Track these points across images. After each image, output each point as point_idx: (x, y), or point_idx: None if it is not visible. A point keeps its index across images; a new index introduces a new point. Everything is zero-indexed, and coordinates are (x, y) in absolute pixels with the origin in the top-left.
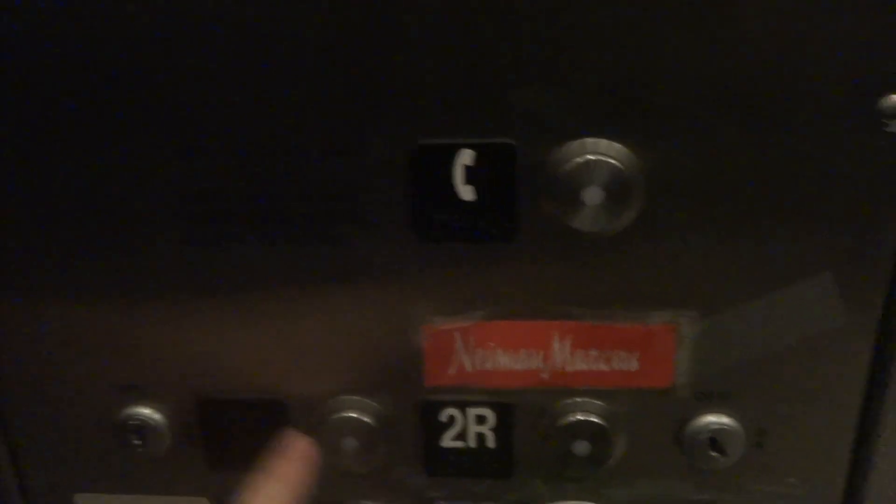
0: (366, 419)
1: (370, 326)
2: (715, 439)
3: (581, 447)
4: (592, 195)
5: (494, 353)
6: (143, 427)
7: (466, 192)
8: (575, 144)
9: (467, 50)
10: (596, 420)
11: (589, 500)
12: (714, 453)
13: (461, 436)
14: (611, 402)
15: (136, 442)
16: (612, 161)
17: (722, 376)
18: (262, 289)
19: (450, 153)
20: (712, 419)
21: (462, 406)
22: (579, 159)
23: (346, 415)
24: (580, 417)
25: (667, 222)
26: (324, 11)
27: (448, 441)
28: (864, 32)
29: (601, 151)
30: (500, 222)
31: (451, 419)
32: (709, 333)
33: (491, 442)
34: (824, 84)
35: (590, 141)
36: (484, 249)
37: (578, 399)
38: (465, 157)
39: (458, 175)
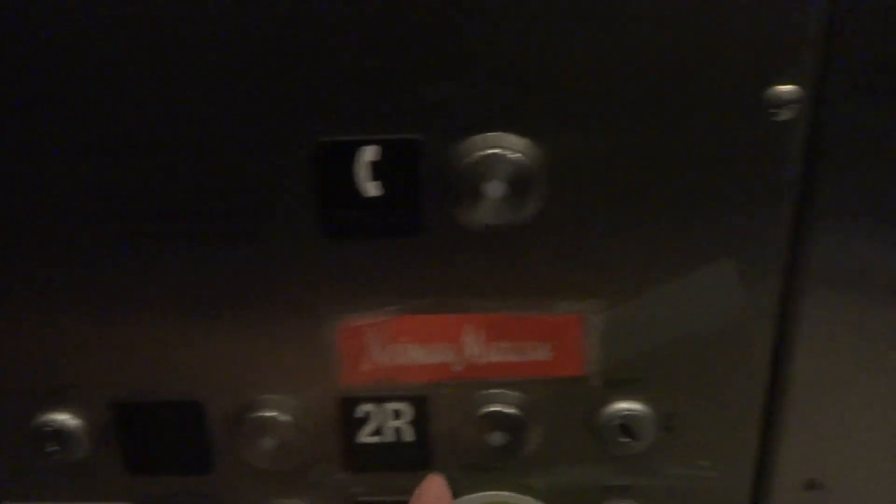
0: (284, 418)
1: (283, 324)
2: (626, 425)
3: (497, 438)
4: (494, 188)
5: (407, 347)
6: (59, 432)
7: (371, 189)
8: (477, 139)
9: (370, 46)
10: (512, 411)
11: (508, 490)
12: (625, 438)
13: (378, 431)
14: (525, 392)
15: (52, 448)
16: (513, 155)
17: (631, 363)
18: (174, 288)
19: (352, 150)
20: (623, 405)
21: (378, 401)
22: (481, 153)
23: (263, 414)
24: (495, 409)
25: (570, 214)
26: (225, 9)
27: (366, 437)
28: (751, 25)
29: (502, 145)
30: (406, 217)
31: (368, 415)
32: (616, 322)
33: (408, 435)
34: (715, 75)
35: (491, 136)
36: (392, 244)
37: (494, 390)
38: (370, 153)
39: (363, 171)
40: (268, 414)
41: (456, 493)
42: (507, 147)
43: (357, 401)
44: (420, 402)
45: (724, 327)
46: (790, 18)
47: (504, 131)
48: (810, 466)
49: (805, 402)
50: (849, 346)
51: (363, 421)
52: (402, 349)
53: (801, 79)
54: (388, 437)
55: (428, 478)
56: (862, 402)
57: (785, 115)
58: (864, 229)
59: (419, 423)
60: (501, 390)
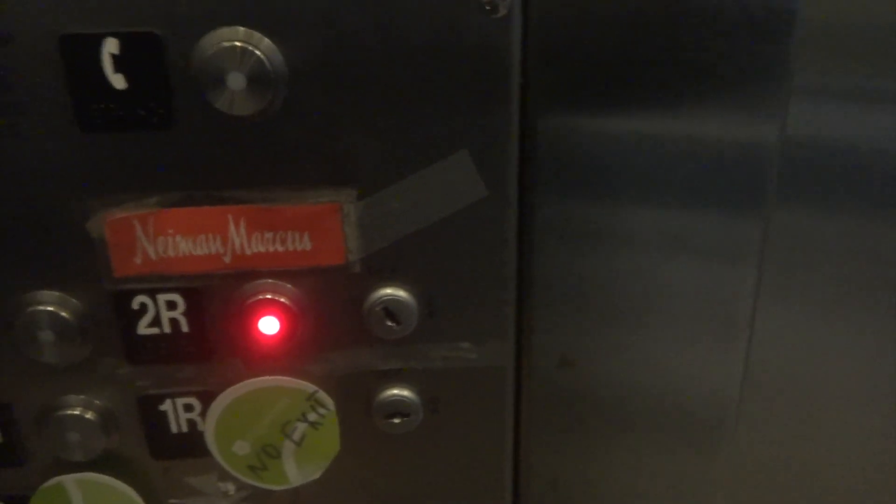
0: (62, 313)
1: (51, 220)
2: (389, 310)
3: (269, 325)
4: (235, 80)
5: (175, 239)
6: None
7: (118, 81)
8: (218, 33)
9: None
10: (282, 300)
11: (284, 372)
12: (390, 323)
13: (156, 322)
14: (294, 283)
15: None
16: (251, 48)
17: (390, 251)
18: None
19: (95, 43)
20: (386, 291)
21: (151, 293)
22: (224, 45)
23: (41, 308)
24: (265, 297)
25: (317, 108)
26: None
27: (144, 329)
28: None
29: (241, 39)
30: (155, 109)
31: (144, 307)
32: (370, 211)
33: (185, 326)
34: None
35: (231, 30)
36: (148, 137)
37: (264, 281)
38: (111, 46)
39: (107, 64)
40: (46, 308)
41: (237, 381)
42: (246, 41)
43: (131, 293)
44: (192, 293)
45: (471, 217)
46: None
47: (244, 27)
48: (561, 343)
49: (550, 282)
50: (583, 226)
51: (139, 313)
52: (171, 241)
53: None
54: (166, 328)
55: None
56: (604, 280)
57: (501, 11)
58: (584, 116)
59: (193, 313)
60: (271, 281)
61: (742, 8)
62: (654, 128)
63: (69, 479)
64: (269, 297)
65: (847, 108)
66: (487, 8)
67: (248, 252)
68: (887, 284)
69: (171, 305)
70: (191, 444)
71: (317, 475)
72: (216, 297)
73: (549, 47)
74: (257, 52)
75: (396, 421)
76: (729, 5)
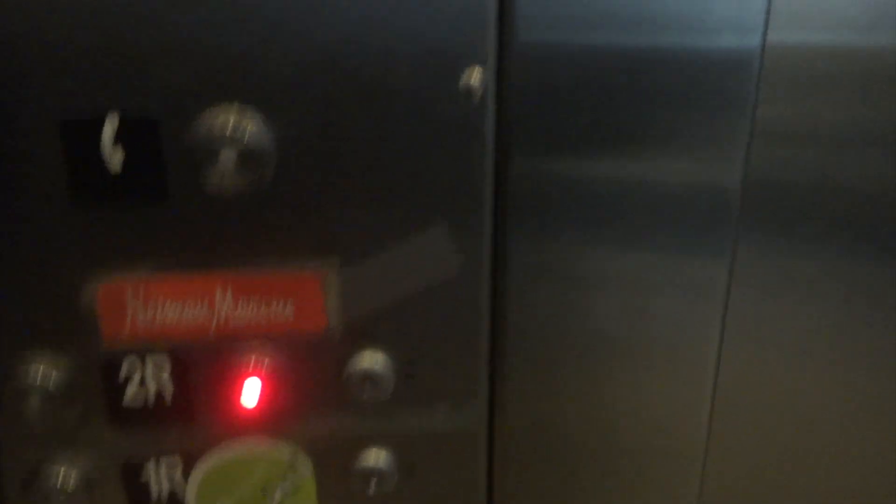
0: (51, 378)
1: (45, 287)
2: (367, 374)
3: (251, 390)
4: (227, 158)
5: (164, 306)
6: None
7: (115, 162)
8: (212, 112)
9: (106, 28)
10: (265, 364)
11: (265, 435)
12: (369, 388)
13: (142, 387)
14: (277, 347)
15: None
16: (243, 128)
17: (369, 318)
18: None
19: (95, 127)
20: (365, 357)
21: (140, 357)
22: (217, 124)
23: (30, 373)
24: (251, 361)
25: (302, 183)
26: None
27: (130, 392)
28: (443, 14)
29: (233, 119)
30: (150, 187)
31: (131, 371)
32: (351, 281)
33: (171, 390)
34: (414, 63)
35: (223, 111)
36: (142, 210)
37: (254, 345)
38: (109, 131)
39: (107, 146)
40: (33, 373)
41: (220, 443)
42: (238, 121)
43: (120, 358)
44: (178, 357)
45: (446, 284)
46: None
47: (236, 107)
48: (534, 405)
49: (521, 347)
50: (554, 292)
51: (126, 378)
52: (160, 308)
53: (485, 58)
54: (151, 392)
55: None
56: (571, 343)
57: (476, 96)
58: (559, 170)
59: (178, 378)
60: (255, 345)
61: (705, 54)
62: (621, 174)
63: None
64: (252, 361)
65: (808, 150)
66: (464, 95)
67: (233, 318)
68: (851, 321)
69: (158, 369)
70: None
71: None
72: (201, 362)
73: (524, 106)
74: (249, 132)
75: (373, 484)
76: (692, 53)
